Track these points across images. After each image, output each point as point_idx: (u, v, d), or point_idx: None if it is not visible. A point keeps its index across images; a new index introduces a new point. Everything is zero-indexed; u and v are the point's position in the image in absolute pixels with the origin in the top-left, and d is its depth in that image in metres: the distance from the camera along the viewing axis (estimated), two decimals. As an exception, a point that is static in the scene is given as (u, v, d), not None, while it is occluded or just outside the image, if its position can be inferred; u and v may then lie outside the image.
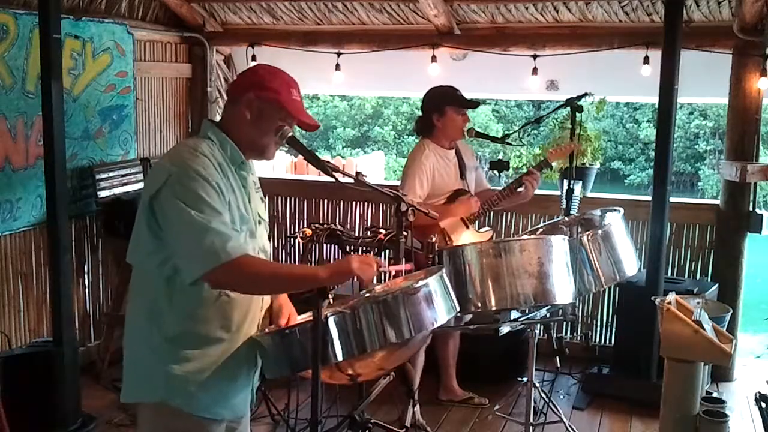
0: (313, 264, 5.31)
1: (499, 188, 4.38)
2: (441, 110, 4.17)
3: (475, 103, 4.24)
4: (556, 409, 3.86)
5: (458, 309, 2.44)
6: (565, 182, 4.30)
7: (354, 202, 5.73)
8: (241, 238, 2.12)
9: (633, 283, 4.38)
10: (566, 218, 4.07)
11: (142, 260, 2.17)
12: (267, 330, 2.32)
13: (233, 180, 2.19)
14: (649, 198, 4.50)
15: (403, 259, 2.76)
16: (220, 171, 2.13)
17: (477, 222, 4.34)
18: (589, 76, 5.04)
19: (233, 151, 2.21)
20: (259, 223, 2.31)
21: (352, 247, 4.03)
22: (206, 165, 2.10)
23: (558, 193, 4.82)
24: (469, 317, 3.76)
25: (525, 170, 4.36)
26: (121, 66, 5.07)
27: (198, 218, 2.02)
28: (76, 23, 4.70)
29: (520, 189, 4.19)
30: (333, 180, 2.49)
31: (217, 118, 2.83)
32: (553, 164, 4.45)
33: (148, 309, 2.16)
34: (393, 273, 2.48)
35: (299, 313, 2.47)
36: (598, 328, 5.32)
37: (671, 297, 3.43)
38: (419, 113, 4.36)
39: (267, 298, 2.35)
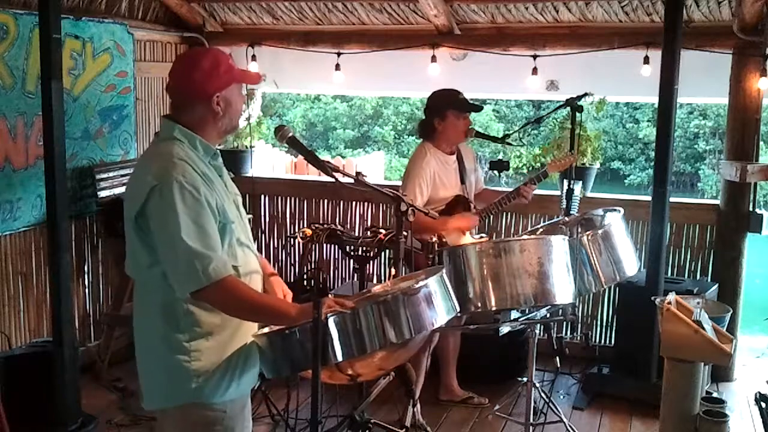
0: (312, 264, 5.32)
1: (497, 188, 4.38)
2: (442, 114, 4.15)
3: (477, 107, 4.22)
4: (556, 409, 3.86)
5: (458, 309, 2.44)
6: (565, 182, 4.30)
7: (354, 202, 5.73)
8: (224, 254, 2.14)
9: (633, 283, 4.38)
10: (566, 218, 4.07)
11: (143, 272, 2.19)
12: (267, 330, 2.32)
13: (211, 173, 2.21)
14: (649, 198, 4.49)
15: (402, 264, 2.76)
16: (198, 171, 2.15)
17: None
18: (589, 76, 5.04)
19: (203, 146, 2.24)
20: (241, 204, 2.37)
21: (352, 247, 4.03)
22: (186, 171, 2.11)
23: (558, 193, 4.82)
24: (468, 317, 3.76)
25: (525, 171, 4.36)
26: (121, 66, 5.07)
27: (179, 237, 2.05)
28: (76, 23, 4.70)
29: (516, 200, 4.19)
30: (333, 180, 2.50)
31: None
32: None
33: (162, 312, 2.17)
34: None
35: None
36: (598, 328, 5.31)
37: (671, 297, 3.43)
38: (419, 113, 4.37)
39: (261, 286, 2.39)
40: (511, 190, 4.28)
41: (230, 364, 2.22)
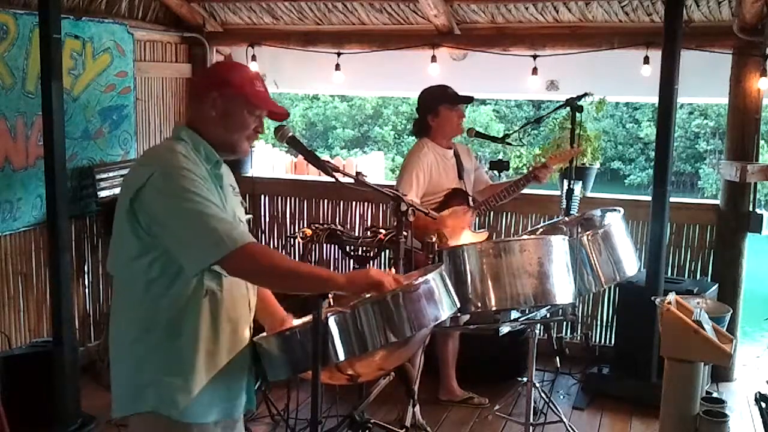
0: (312, 264, 5.32)
1: (507, 180, 4.38)
2: (435, 110, 4.17)
3: (467, 99, 4.23)
4: (556, 409, 3.86)
5: (459, 305, 2.44)
6: (565, 182, 4.30)
7: (354, 202, 5.73)
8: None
9: (633, 283, 4.38)
10: (566, 218, 4.07)
11: (126, 267, 2.12)
12: (267, 333, 2.32)
13: (211, 179, 2.17)
14: (649, 198, 4.49)
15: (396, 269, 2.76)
16: (196, 168, 2.11)
17: (477, 222, 4.34)
18: (589, 76, 5.04)
19: (207, 151, 2.19)
20: (239, 222, 2.27)
21: (352, 247, 4.03)
22: (188, 162, 2.08)
23: (558, 193, 4.82)
24: (468, 317, 3.76)
25: (525, 171, 4.36)
26: (121, 66, 5.07)
27: (195, 207, 2.00)
28: (76, 23, 4.70)
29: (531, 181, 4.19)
30: (333, 180, 2.49)
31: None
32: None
33: (133, 319, 2.13)
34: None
35: (299, 315, 2.46)
36: (598, 328, 5.31)
37: (671, 297, 3.43)
38: (416, 113, 4.36)
39: (254, 300, 2.30)
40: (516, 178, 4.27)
41: (204, 385, 2.14)
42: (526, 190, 4.33)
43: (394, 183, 4.65)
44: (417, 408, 3.92)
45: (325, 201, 5.81)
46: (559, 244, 3.24)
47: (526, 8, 4.98)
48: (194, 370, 2.13)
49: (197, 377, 2.13)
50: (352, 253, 4.07)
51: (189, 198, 2.01)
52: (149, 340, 2.11)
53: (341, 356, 2.11)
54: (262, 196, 5.93)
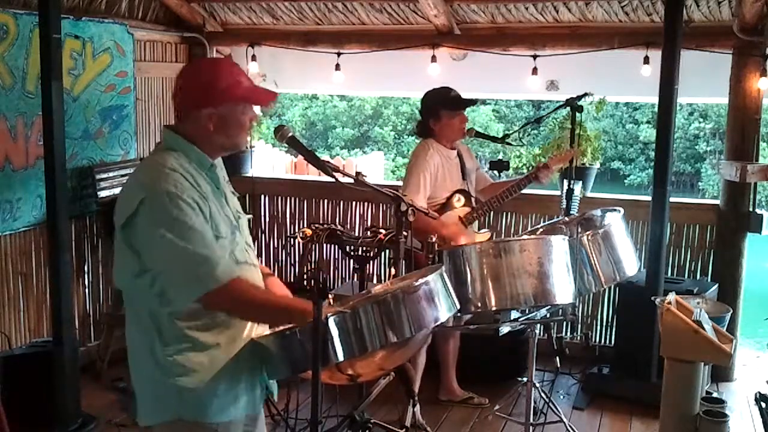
0: (312, 264, 5.32)
1: (508, 180, 4.38)
2: (436, 114, 4.15)
3: (469, 102, 4.21)
4: (556, 409, 3.86)
5: (458, 307, 2.44)
6: (565, 182, 4.30)
7: (354, 202, 5.73)
8: (227, 255, 2.09)
9: (633, 283, 4.38)
10: (566, 218, 4.07)
11: (131, 282, 2.13)
12: (267, 332, 2.32)
13: (206, 185, 2.16)
14: (649, 198, 4.49)
15: (402, 263, 2.76)
16: (192, 181, 2.10)
17: (477, 222, 4.34)
18: (589, 76, 5.04)
19: (199, 157, 2.17)
20: (239, 218, 2.29)
21: (352, 247, 4.03)
22: (177, 181, 2.06)
23: (558, 193, 4.82)
24: (468, 317, 3.76)
25: (525, 171, 4.37)
26: (121, 66, 5.07)
27: (181, 245, 2.01)
28: (76, 23, 4.70)
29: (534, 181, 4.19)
30: (333, 180, 2.49)
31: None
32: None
33: (148, 326, 2.13)
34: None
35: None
36: (598, 328, 5.31)
37: (671, 297, 3.43)
38: (419, 115, 4.35)
39: None
40: (518, 178, 4.26)
41: (223, 384, 2.16)
42: (526, 190, 4.32)
43: (393, 183, 4.64)
44: (417, 408, 3.92)
45: (325, 201, 5.81)
46: (559, 244, 3.24)
47: (526, 8, 4.98)
48: (214, 368, 2.14)
49: (217, 375, 2.15)
50: (352, 253, 4.07)
51: (176, 232, 2.02)
52: (167, 346, 2.11)
53: (341, 356, 2.10)
54: (262, 196, 5.93)
